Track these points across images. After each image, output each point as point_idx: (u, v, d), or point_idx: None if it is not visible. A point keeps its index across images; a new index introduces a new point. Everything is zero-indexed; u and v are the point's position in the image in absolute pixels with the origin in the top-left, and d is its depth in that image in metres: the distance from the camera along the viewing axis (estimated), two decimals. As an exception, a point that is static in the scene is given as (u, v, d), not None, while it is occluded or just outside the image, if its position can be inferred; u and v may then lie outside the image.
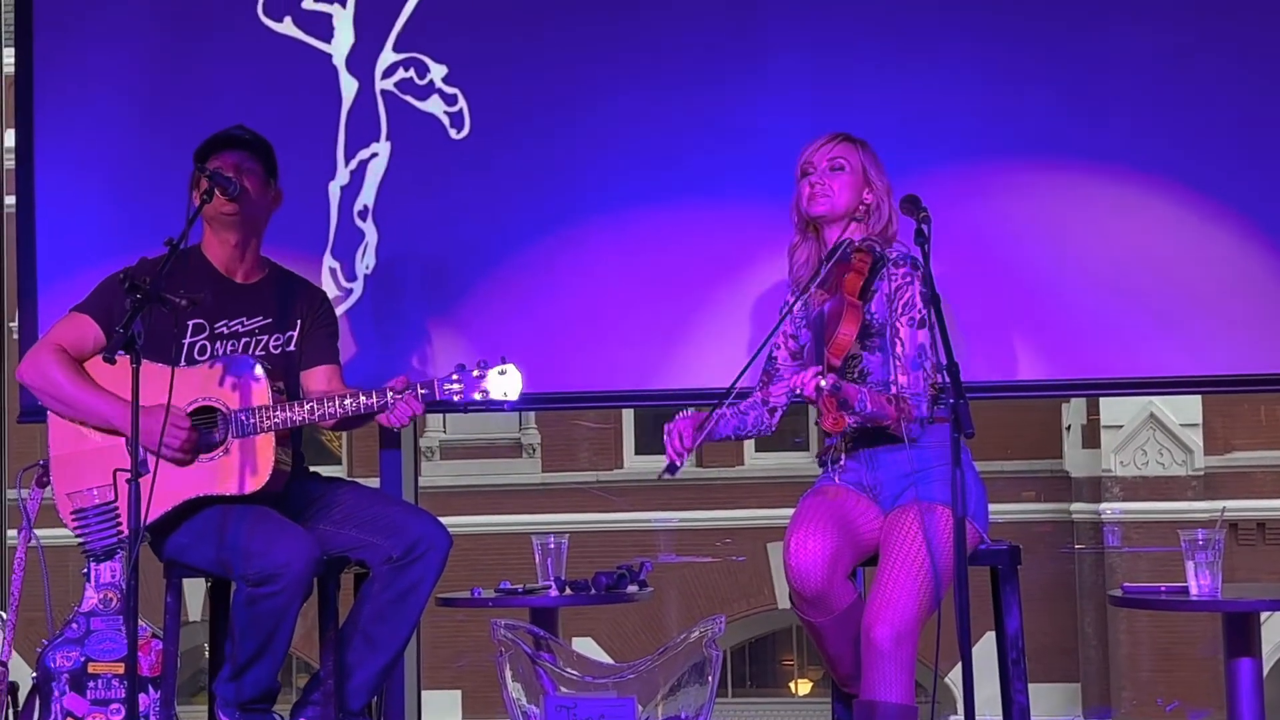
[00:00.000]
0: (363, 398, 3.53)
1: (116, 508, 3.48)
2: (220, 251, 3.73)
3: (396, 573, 3.56)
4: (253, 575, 3.39)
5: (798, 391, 3.24)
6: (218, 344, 3.66)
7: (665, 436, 3.35)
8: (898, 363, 3.32)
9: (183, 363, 3.60)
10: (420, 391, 3.53)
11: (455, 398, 3.52)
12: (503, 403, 3.53)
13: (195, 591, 10.03)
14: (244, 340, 3.69)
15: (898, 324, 3.34)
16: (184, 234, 3.38)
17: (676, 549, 14.18)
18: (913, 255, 3.37)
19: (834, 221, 3.49)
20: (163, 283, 3.30)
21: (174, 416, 3.46)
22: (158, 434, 3.43)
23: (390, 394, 3.52)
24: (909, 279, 3.37)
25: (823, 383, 3.15)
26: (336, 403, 3.53)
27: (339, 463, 13.91)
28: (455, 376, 3.53)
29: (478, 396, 3.52)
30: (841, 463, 3.45)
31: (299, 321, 3.75)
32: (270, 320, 3.73)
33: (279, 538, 3.42)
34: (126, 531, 3.34)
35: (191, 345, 3.66)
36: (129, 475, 3.17)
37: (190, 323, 3.64)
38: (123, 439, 3.54)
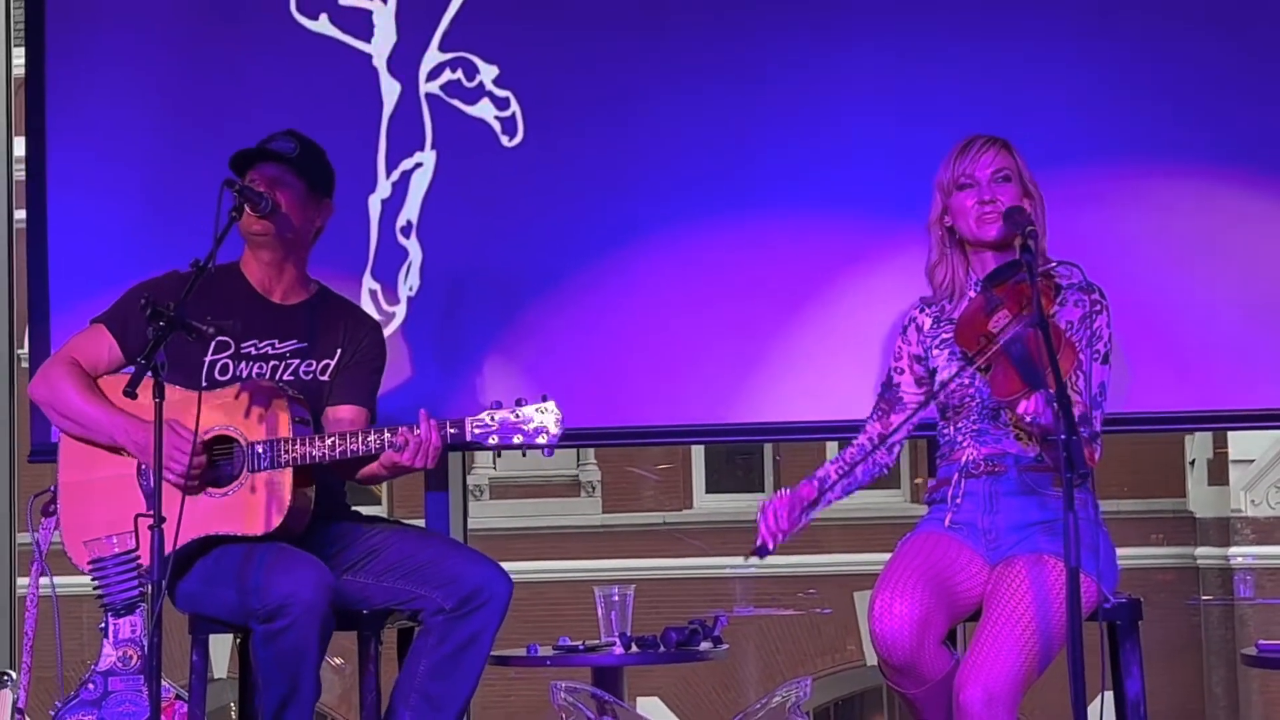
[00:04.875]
0: (388, 434, 3.51)
1: (138, 557, 3.52)
2: (257, 269, 3.77)
3: (453, 624, 3.57)
4: (261, 612, 3.44)
5: (1027, 420, 3.19)
6: (242, 365, 3.70)
7: (759, 515, 3.35)
8: (1076, 396, 3.23)
9: (203, 383, 3.64)
10: (449, 431, 3.52)
11: (491, 439, 3.50)
12: (541, 446, 3.50)
13: (221, 645, 10.08)
14: (272, 363, 3.73)
15: (1080, 355, 3.29)
16: (212, 254, 3.44)
17: (754, 599, 14.14)
18: (1098, 285, 3.39)
19: (1007, 244, 3.40)
20: (187, 308, 3.35)
21: (189, 443, 3.48)
22: (162, 454, 3.43)
23: (414, 430, 3.51)
24: (1099, 308, 3.38)
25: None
26: (360, 438, 3.52)
27: (378, 503, 13.97)
28: (488, 415, 3.52)
29: (517, 440, 3.50)
30: (958, 500, 3.40)
31: (338, 351, 3.78)
32: (305, 345, 3.75)
33: (282, 568, 3.46)
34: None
35: (213, 364, 3.70)
36: (150, 520, 3.21)
37: (214, 339, 3.67)
38: (134, 469, 3.61)
